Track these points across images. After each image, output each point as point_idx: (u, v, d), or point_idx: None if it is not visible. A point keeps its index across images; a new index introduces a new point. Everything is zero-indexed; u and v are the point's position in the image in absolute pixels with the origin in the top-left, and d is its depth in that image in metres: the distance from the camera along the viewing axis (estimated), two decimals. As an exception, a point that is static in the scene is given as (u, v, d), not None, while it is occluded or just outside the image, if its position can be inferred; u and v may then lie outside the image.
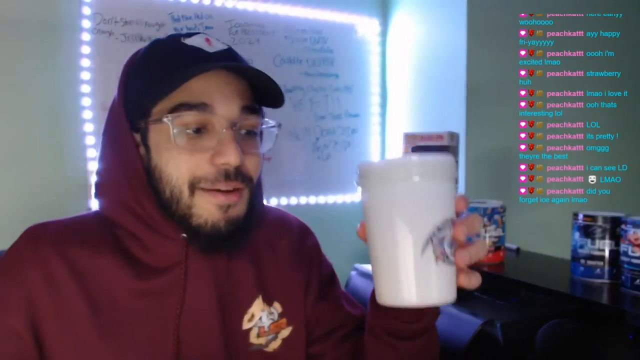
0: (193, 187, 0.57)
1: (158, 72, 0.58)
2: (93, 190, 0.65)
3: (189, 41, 0.60)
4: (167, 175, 0.58)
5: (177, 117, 0.56)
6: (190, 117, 0.56)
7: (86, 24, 1.71)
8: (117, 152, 0.61)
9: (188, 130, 0.57)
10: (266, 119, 0.63)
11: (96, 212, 0.66)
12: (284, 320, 0.67)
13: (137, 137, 0.60)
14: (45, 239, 0.60)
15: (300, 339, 0.69)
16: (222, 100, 0.57)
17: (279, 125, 0.64)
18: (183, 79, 0.55)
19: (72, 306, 0.57)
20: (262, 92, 0.62)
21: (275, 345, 0.66)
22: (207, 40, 0.60)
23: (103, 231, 0.62)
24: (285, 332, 0.67)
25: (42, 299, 0.57)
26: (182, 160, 0.57)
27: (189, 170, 0.57)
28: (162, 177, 0.58)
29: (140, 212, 0.60)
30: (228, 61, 0.60)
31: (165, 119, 0.56)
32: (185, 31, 1.84)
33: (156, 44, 0.63)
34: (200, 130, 0.57)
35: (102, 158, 0.64)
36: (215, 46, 0.60)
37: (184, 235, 0.61)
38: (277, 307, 0.67)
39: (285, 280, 0.70)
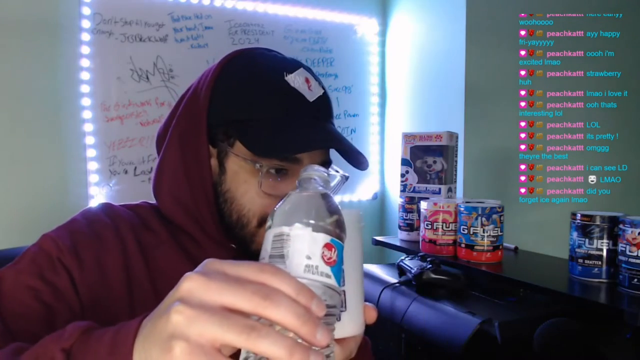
0: (263, 222, 0.59)
1: (258, 110, 0.59)
2: (152, 180, 0.66)
3: (290, 79, 0.60)
4: (239, 205, 0.60)
5: (268, 165, 0.58)
6: (279, 166, 0.59)
7: (86, 24, 1.71)
8: (187, 155, 0.62)
9: (271, 170, 0.59)
10: (334, 167, 0.66)
11: (148, 204, 0.68)
12: None
13: (213, 150, 0.62)
14: (120, 216, 0.63)
15: None
16: (310, 156, 0.60)
17: (346, 178, 0.67)
18: (293, 150, 0.57)
19: (139, 283, 0.59)
20: (344, 151, 0.64)
21: None
22: (307, 80, 0.62)
23: (160, 222, 0.64)
24: None
25: (116, 266, 0.58)
26: (259, 198, 0.59)
27: (263, 208, 0.60)
28: (233, 203, 0.61)
29: (196, 215, 0.62)
30: (325, 112, 0.63)
31: (256, 166, 0.58)
32: (194, 33, 1.85)
33: (258, 67, 0.62)
34: (280, 172, 0.59)
35: (167, 153, 0.64)
36: (314, 90, 0.62)
37: (233, 245, 0.63)
38: None
39: None
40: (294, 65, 0.63)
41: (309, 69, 0.64)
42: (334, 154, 0.66)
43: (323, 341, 0.31)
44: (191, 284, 0.32)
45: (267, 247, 0.37)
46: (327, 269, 0.36)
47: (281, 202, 0.38)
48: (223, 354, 0.31)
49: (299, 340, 0.31)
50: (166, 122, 0.66)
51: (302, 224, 0.36)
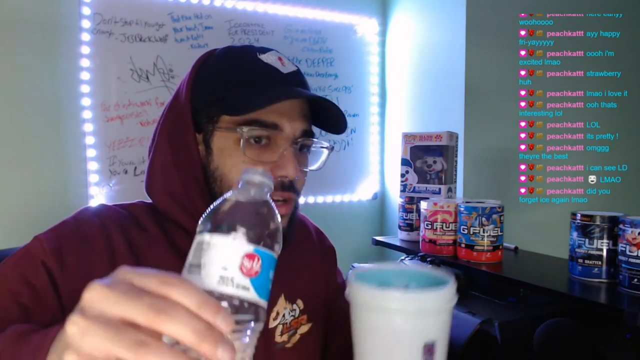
0: None
1: (236, 84, 0.62)
2: (144, 180, 0.67)
3: (264, 57, 0.63)
4: (229, 180, 0.61)
5: (250, 131, 0.60)
6: (261, 132, 0.60)
7: (86, 24, 1.71)
8: (175, 148, 0.64)
9: (253, 141, 0.61)
10: (318, 140, 0.67)
11: (143, 203, 0.69)
12: (304, 317, 0.70)
13: (199, 137, 0.64)
14: (110, 217, 0.63)
15: (318, 336, 0.72)
16: (290, 122, 0.62)
17: (332, 148, 0.69)
18: (265, 102, 0.59)
19: None
20: (323, 115, 0.66)
21: (294, 339, 0.69)
22: (280, 59, 0.64)
23: (153, 220, 0.65)
24: (305, 328, 0.70)
25: (103, 268, 0.58)
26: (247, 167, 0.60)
27: None
28: (223, 180, 0.62)
29: (188, 205, 0.63)
30: (299, 82, 0.65)
31: (238, 130, 0.59)
32: (194, 33, 1.86)
33: (231, 53, 0.66)
34: (263, 141, 0.61)
35: (156, 148, 0.66)
36: (287, 67, 0.64)
37: None
38: (299, 304, 0.70)
39: (307, 279, 0.73)
40: (266, 48, 0.66)
41: (281, 54, 0.67)
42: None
43: (225, 358, 0.30)
44: (91, 295, 0.31)
45: (189, 255, 0.35)
46: (246, 281, 0.33)
47: (212, 205, 0.36)
48: None
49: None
50: (155, 128, 0.68)
51: (223, 231, 0.34)
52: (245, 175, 0.39)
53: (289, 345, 0.68)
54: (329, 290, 0.78)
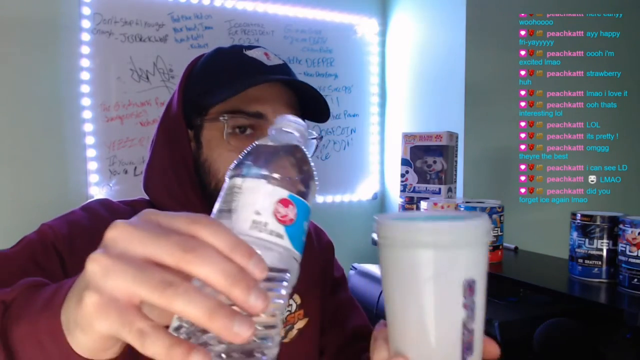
0: None
1: (220, 77, 0.64)
2: (142, 177, 0.69)
3: (249, 53, 0.65)
4: (215, 169, 0.63)
5: (232, 118, 0.61)
6: (244, 121, 0.61)
7: (86, 24, 1.71)
8: (169, 144, 0.66)
9: (238, 130, 0.62)
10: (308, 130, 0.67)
11: (144, 199, 0.70)
12: (301, 312, 0.70)
13: (190, 133, 0.66)
14: (116, 211, 0.65)
15: (315, 331, 0.72)
16: (274, 111, 0.62)
17: (321, 137, 0.69)
18: (245, 86, 0.60)
19: None
20: (309, 105, 0.67)
21: (292, 335, 0.69)
22: (266, 54, 0.66)
23: None
24: (302, 323, 0.70)
25: None
26: (231, 157, 0.61)
27: None
28: (210, 170, 0.63)
29: (182, 199, 0.64)
30: (284, 75, 0.65)
31: (221, 118, 0.61)
32: (194, 33, 1.86)
33: (219, 52, 0.68)
34: (247, 131, 0.62)
35: (154, 148, 0.68)
36: (273, 60, 0.66)
37: None
38: (296, 299, 0.70)
39: (305, 274, 0.72)
40: (253, 46, 0.67)
41: (267, 50, 0.68)
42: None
43: (257, 307, 0.27)
44: (115, 233, 0.29)
45: (217, 201, 0.33)
46: (280, 228, 0.31)
47: (245, 151, 0.34)
48: (144, 314, 0.27)
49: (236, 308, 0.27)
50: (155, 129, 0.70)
51: (255, 175, 0.32)
52: (279, 121, 0.36)
53: (286, 340, 0.68)
54: (325, 285, 0.77)
